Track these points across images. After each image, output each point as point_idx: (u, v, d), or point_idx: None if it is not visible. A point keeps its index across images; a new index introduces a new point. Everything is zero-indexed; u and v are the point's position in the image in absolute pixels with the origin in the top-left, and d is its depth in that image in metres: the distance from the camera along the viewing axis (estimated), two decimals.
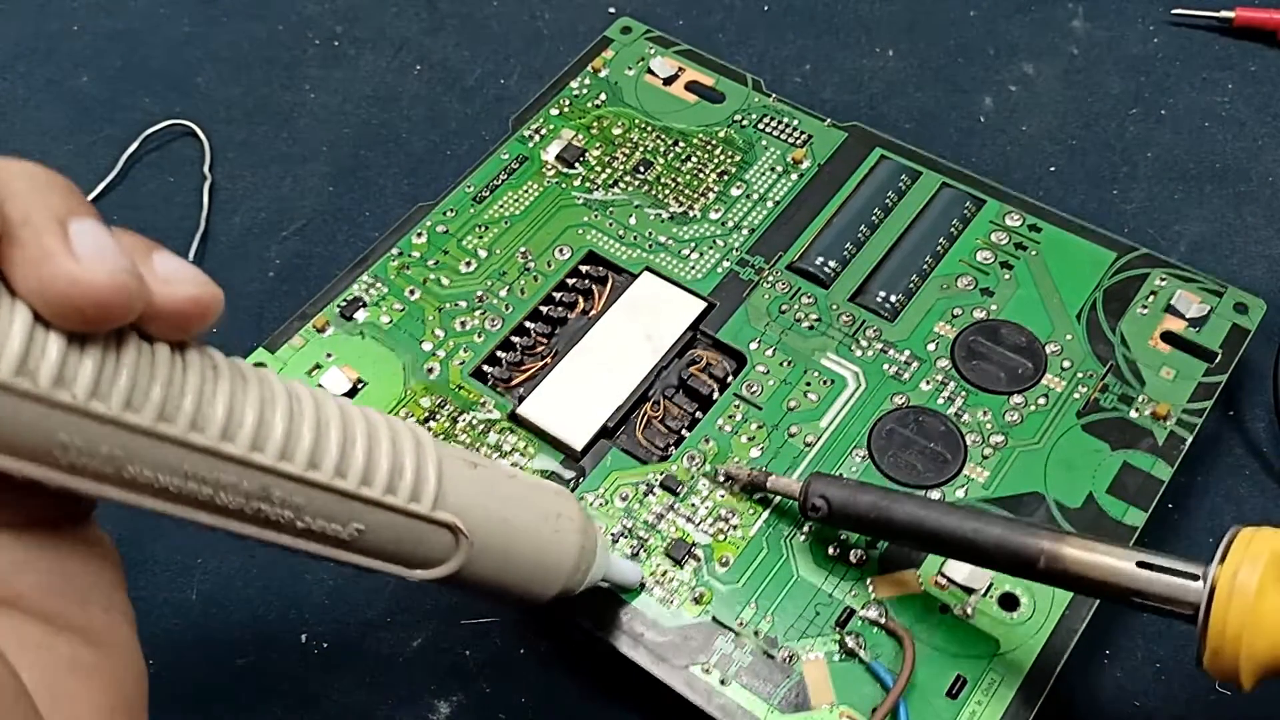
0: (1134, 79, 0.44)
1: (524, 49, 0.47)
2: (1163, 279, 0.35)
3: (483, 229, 0.38)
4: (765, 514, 0.31)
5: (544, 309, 0.36)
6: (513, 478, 0.24)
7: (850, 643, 0.29)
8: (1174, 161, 0.42)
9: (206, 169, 0.43)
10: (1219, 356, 0.34)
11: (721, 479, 0.32)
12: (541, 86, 0.42)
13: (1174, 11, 0.46)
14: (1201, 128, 0.43)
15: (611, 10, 0.47)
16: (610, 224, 0.38)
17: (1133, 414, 0.33)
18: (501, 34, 0.47)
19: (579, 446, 0.33)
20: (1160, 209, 0.40)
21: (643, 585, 0.30)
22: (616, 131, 0.40)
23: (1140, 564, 0.25)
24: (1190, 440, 0.32)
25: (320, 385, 0.34)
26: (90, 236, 0.16)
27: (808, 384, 0.34)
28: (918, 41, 0.46)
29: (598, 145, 0.40)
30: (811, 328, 0.35)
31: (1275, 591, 0.23)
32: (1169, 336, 0.34)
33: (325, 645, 0.33)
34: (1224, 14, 0.45)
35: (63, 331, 0.16)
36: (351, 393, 0.34)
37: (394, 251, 0.37)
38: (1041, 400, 0.33)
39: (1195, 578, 0.24)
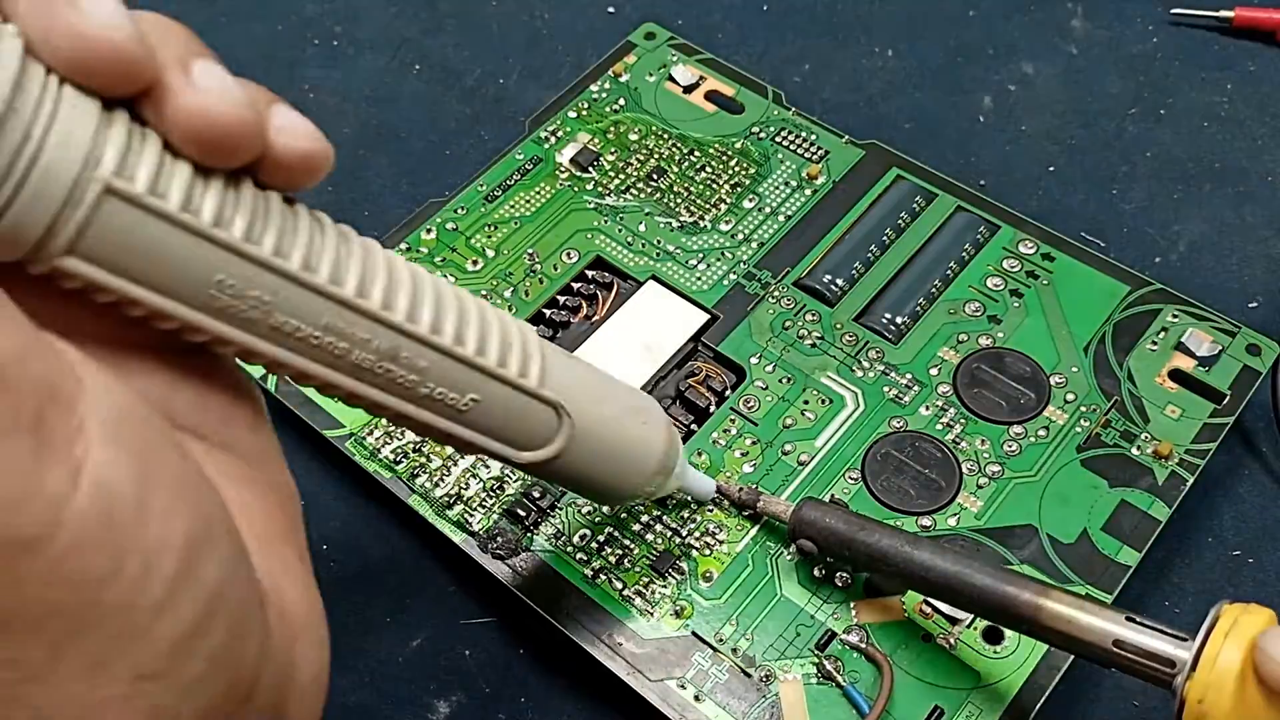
0: (1133, 79, 0.44)
1: (524, 49, 0.47)
2: (1175, 315, 0.35)
3: (492, 228, 0.38)
4: (753, 530, 0.31)
5: (547, 312, 0.36)
6: (603, 372, 0.26)
7: (829, 666, 0.29)
8: (1173, 161, 0.41)
9: None
10: (1227, 398, 0.33)
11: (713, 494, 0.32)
12: (541, 86, 0.42)
13: (1174, 11, 0.45)
14: (1201, 127, 0.42)
15: (611, 10, 0.47)
16: (620, 230, 0.38)
17: (1134, 451, 0.32)
18: (501, 34, 0.47)
19: None
20: (1160, 209, 0.40)
21: (715, 500, 0.31)
22: (633, 137, 0.40)
23: (1116, 642, 0.24)
24: (1191, 482, 0.32)
25: None
26: (211, 74, 0.18)
27: (806, 402, 0.33)
28: (918, 41, 0.46)
29: (613, 150, 0.40)
30: (814, 345, 0.35)
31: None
32: (1177, 375, 0.34)
33: None
34: (1223, 14, 0.45)
35: (218, 177, 0.18)
36: None
37: (403, 246, 0.38)
38: (1042, 432, 0.33)
39: (1169, 676, 0.24)
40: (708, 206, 0.38)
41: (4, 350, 0.13)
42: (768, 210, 0.38)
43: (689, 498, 0.31)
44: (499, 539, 0.31)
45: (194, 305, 0.18)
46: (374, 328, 0.20)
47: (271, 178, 0.19)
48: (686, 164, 0.39)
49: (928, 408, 0.33)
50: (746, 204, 0.38)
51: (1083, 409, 0.33)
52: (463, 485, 0.32)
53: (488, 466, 0.33)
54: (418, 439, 0.33)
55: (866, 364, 0.34)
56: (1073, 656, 0.29)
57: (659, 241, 0.37)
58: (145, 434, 0.15)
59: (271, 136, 0.19)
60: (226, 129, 0.17)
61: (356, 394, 0.21)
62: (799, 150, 0.39)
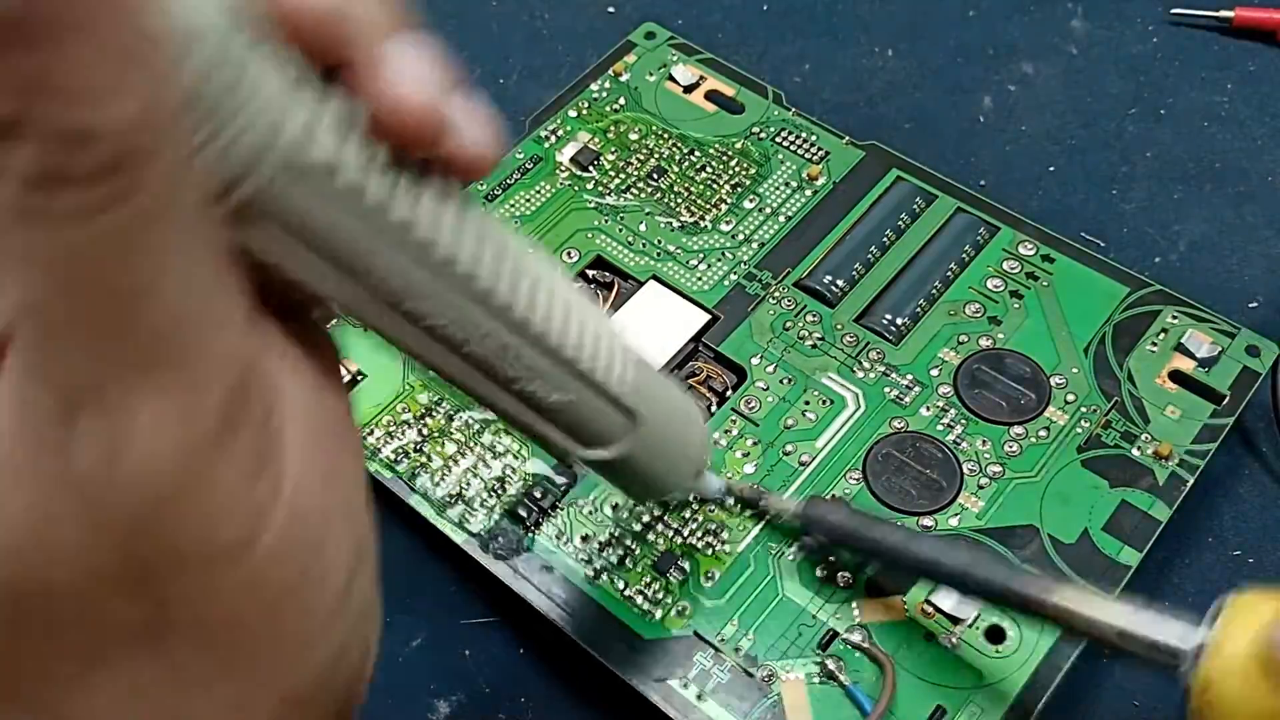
0: (1133, 79, 0.44)
1: (524, 49, 0.47)
2: (1175, 316, 0.35)
3: None
4: (755, 530, 0.31)
5: None
6: (665, 376, 0.25)
7: (831, 665, 0.29)
8: (1173, 161, 0.42)
9: None
10: (1226, 399, 0.33)
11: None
12: (541, 86, 0.42)
13: (1173, 11, 0.46)
14: (1201, 127, 0.43)
15: (611, 10, 0.47)
16: (620, 230, 0.38)
17: (1134, 452, 0.32)
18: (501, 34, 0.47)
19: None
20: (1160, 209, 0.40)
21: (721, 499, 0.31)
22: (633, 137, 0.40)
23: (1122, 632, 0.24)
24: (1192, 482, 0.32)
25: None
26: (410, 56, 0.16)
27: (806, 403, 0.33)
28: (918, 41, 0.46)
29: (613, 150, 0.40)
30: (814, 346, 0.35)
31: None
32: (1177, 376, 0.34)
33: None
34: (1223, 14, 0.45)
35: (387, 159, 0.17)
36: (350, 385, 0.34)
37: None
38: (1042, 433, 0.33)
39: (1176, 663, 0.24)
40: (708, 206, 0.38)
41: (242, 353, 0.12)
42: (768, 211, 0.38)
43: (693, 496, 0.31)
44: (500, 539, 0.31)
45: (338, 282, 0.17)
46: (496, 325, 0.19)
47: (441, 167, 0.18)
48: (687, 164, 0.39)
49: (928, 408, 0.33)
50: (747, 204, 0.38)
51: (1083, 410, 0.33)
52: (463, 485, 0.32)
53: (489, 466, 0.32)
54: (418, 439, 0.33)
55: (867, 365, 0.34)
56: (1074, 656, 0.29)
57: (659, 241, 0.37)
58: (331, 441, 0.15)
59: (455, 134, 0.17)
60: (418, 121, 0.16)
61: (454, 379, 0.20)
62: (799, 150, 0.39)
